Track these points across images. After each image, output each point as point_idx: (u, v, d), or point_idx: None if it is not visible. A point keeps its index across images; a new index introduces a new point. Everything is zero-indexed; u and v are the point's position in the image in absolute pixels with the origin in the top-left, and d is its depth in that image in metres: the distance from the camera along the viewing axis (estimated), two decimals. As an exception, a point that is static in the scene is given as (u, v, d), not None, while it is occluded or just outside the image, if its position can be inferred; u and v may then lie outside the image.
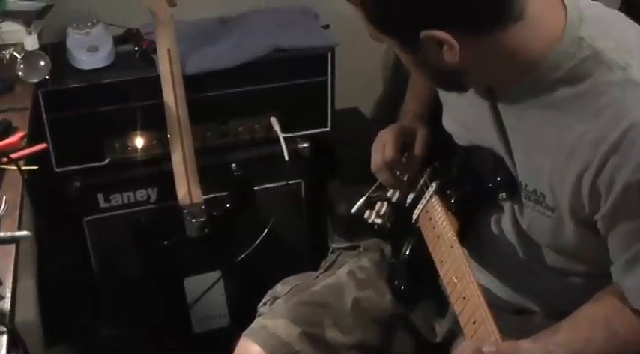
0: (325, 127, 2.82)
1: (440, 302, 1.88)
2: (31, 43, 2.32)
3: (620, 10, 1.64)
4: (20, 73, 2.27)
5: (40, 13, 2.45)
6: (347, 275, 2.02)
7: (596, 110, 1.44)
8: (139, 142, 2.62)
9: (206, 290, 2.71)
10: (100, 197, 2.66)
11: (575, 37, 1.47)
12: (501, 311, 1.72)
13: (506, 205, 1.69)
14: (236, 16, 2.84)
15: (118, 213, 2.70)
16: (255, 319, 1.97)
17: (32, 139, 2.12)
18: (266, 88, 2.67)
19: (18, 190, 1.89)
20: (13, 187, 1.90)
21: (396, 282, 1.90)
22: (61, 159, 2.56)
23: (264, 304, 2.02)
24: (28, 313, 2.44)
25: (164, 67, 2.43)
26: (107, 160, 2.62)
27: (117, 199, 2.68)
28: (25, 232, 1.75)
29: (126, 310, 2.78)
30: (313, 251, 2.91)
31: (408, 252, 1.86)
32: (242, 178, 2.71)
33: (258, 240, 2.67)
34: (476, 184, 1.72)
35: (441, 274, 1.66)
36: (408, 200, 1.94)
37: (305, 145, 2.78)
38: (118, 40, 2.66)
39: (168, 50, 2.42)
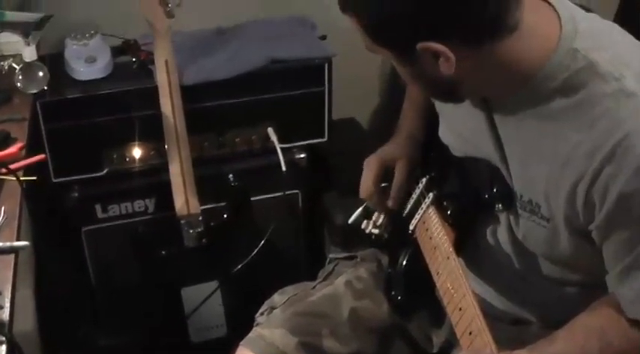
0: (322, 138, 2.82)
1: (437, 313, 1.88)
2: (30, 54, 2.33)
3: (614, 19, 1.65)
4: (18, 84, 2.27)
5: (38, 24, 2.46)
6: (344, 285, 2.02)
7: (591, 121, 1.45)
8: (137, 152, 2.62)
9: (204, 300, 2.71)
10: (98, 207, 2.66)
11: (569, 49, 1.47)
12: (498, 321, 1.73)
13: (502, 216, 1.69)
14: (233, 27, 2.85)
15: (116, 223, 2.70)
16: (253, 329, 1.97)
17: (30, 149, 2.12)
18: (263, 98, 2.68)
19: (16, 200, 1.90)
20: (11, 197, 1.91)
21: (393, 292, 1.90)
22: (58, 169, 2.56)
23: (262, 313, 2.03)
24: (27, 323, 2.44)
25: (162, 78, 2.44)
26: (105, 171, 2.62)
27: (114, 209, 2.68)
28: (23, 243, 1.76)
29: (124, 320, 2.78)
30: (310, 261, 2.91)
31: (404, 262, 1.87)
32: (239, 189, 2.72)
33: (256, 250, 2.66)
34: (472, 196, 1.73)
35: (438, 285, 1.66)
36: (405, 211, 1.94)
37: (302, 155, 2.79)
38: (116, 51, 2.66)
39: (166, 61, 2.42)
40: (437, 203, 1.82)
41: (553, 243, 1.60)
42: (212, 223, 2.63)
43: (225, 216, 2.70)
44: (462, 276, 1.59)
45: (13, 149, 2.05)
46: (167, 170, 2.52)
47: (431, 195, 1.84)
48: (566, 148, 1.49)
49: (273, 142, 2.71)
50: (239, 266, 2.67)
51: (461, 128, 1.76)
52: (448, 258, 1.66)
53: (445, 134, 1.86)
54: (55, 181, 2.58)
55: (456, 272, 1.61)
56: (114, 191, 2.67)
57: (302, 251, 2.95)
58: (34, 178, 2.01)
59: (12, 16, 2.47)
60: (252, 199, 2.76)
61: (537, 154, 1.55)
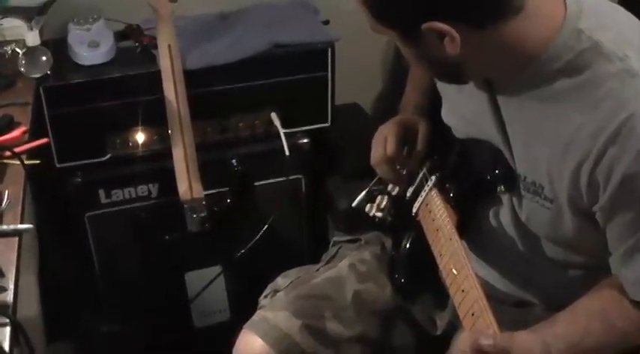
0: (325, 123, 2.82)
1: (440, 295, 1.88)
2: (33, 38, 2.33)
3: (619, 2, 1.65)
4: (22, 69, 2.28)
5: (42, 9, 2.46)
6: (348, 268, 2.03)
7: (595, 101, 1.45)
8: (140, 137, 2.62)
9: (207, 285, 2.71)
10: (101, 193, 2.66)
11: (574, 29, 1.47)
12: (500, 303, 1.73)
13: (505, 198, 1.69)
14: (236, 12, 2.84)
15: (119, 208, 2.69)
16: (256, 312, 1.98)
17: (34, 134, 2.13)
18: (266, 83, 2.67)
19: (20, 184, 1.90)
20: (15, 181, 1.91)
21: (397, 275, 1.91)
22: (62, 155, 2.56)
23: (265, 296, 2.03)
24: (30, 308, 2.44)
25: (165, 63, 2.44)
26: (108, 156, 2.62)
27: (118, 194, 2.68)
28: (27, 225, 1.76)
29: (127, 305, 2.78)
30: (313, 246, 2.91)
31: (408, 245, 1.87)
32: (242, 174, 2.71)
33: (259, 235, 2.66)
34: (475, 177, 1.73)
35: (441, 266, 1.66)
36: (408, 193, 1.95)
37: (305, 140, 2.78)
38: (119, 36, 2.66)
39: (169, 46, 2.42)
40: (440, 185, 1.82)
41: (556, 224, 1.60)
42: (215, 208, 2.63)
43: (228, 201, 2.70)
44: (465, 257, 1.59)
45: (16, 133, 2.05)
46: (170, 155, 2.52)
47: (433, 177, 1.85)
48: (570, 129, 1.49)
49: (276, 127, 2.71)
50: (242, 251, 2.67)
51: (463, 110, 1.76)
52: (451, 240, 1.66)
53: (448, 116, 1.86)
54: (58, 166, 2.57)
55: (458, 254, 1.61)
56: (117, 176, 2.66)
57: (305, 236, 2.95)
58: (38, 161, 2.01)
59: (15, 0, 2.47)
60: (255, 183, 2.76)
61: (540, 136, 1.55)
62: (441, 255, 1.67)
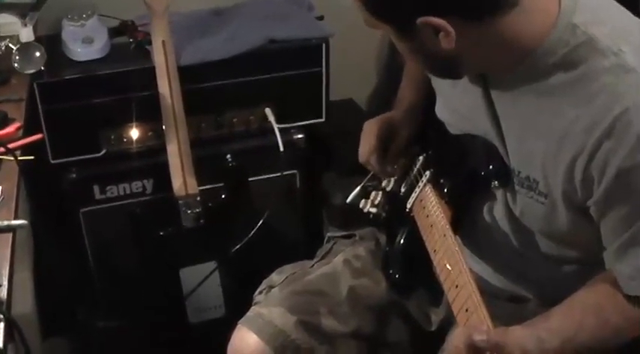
0: (320, 118, 2.82)
1: (435, 291, 1.88)
2: (27, 34, 2.32)
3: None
4: (15, 65, 2.27)
5: (35, 5, 2.45)
6: (342, 264, 2.03)
7: (590, 96, 1.45)
8: (135, 133, 2.62)
9: (202, 281, 2.71)
10: (96, 189, 2.66)
11: (569, 24, 1.47)
12: (495, 299, 1.73)
13: (499, 193, 1.69)
14: (230, 7, 2.84)
15: (114, 204, 2.69)
16: (251, 308, 1.98)
17: (28, 130, 2.12)
18: (261, 79, 2.68)
19: (14, 180, 1.90)
20: (9, 177, 1.91)
21: (391, 270, 1.91)
22: (56, 150, 2.56)
23: (260, 292, 2.03)
24: (25, 304, 2.44)
25: (159, 59, 2.44)
26: (103, 152, 2.62)
27: (112, 190, 2.68)
28: (21, 221, 1.76)
29: (122, 301, 2.78)
30: (308, 241, 2.90)
31: (402, 241, 1.87)
32: (237, 169, 2.72)
33: (254, 230, 2.66)
34: (469, 173, 1.73)
35: (435, 262, 1.67)
36: (402, 189, 1.95)
37: (300, 135, 2.79)
38: (113, 32, 2.66)
39: (163, 42, 2.42)
40: (434, 181, 1.82)
41: (551, 219, 1.60)
42: (210, 204, 2.63)
43: (223, 196, 2.70)
44: (459, 253, 1.59)
45: (10, 129, 2.05)
46: (165, 151, 2.53)
47: (428, 173, 1.85)
48: (564, 123, 1.49)
49: (271, 123, 2.71)
50: (237, 246, 2.67)
51: (457, 105, 1.76)
52: (445, 235, 1.66)
53: (442, 111, 1.86)
54: (52, 162, 2.57)
55: (452, 250, 1.61)
56: (112, 172, 2.67)
57: (300, 231, 2.95)
58: (32, 157, 2.01)
59: (9, -4, 2.47)
60: (250, 179, 2.76)
61: (535, 130, 1.55)
62: (435, 251, 1.67)
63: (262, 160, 2.76)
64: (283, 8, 2.84)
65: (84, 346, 2.83)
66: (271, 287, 2.02)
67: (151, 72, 2.46)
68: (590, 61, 1.46)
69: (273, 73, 2.69)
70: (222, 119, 2.70)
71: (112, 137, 2.61)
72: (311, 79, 2.75)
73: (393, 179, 2.03)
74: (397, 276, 1.89)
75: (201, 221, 2.62)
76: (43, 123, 2.50)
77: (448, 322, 1.89)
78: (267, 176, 2.80)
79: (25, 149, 2.03)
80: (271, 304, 1.94)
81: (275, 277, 2.04)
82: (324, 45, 2.71)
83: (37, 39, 2.38)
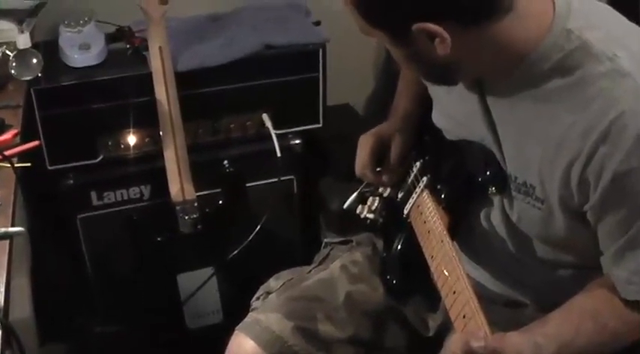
0: (317, 123, 2.82)
1: (432, 296, 1.87)
2: (24, 41, 2.32)
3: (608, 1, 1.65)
4: (13, 71, 2.27)
5: (33, 11, 2.46)
6: (339, 270, 2.02)
7: (586, 101, 1.45)
8: (132, 139, 2.63)
9: (199, 287, 2.71)
10: (93, 195, 2.66)
11: (563, 29, 1.48)
12: (492, 304, 1.73)
13: (496, 199, 1.69)
14: (227, 13, 2.85)
15: (111, 210, 2.70)
16: (249, 314, 1.98)
17: (25, 137, 2.12)
18: (257, 84, 2.68)
19: (11, 187, 1.90)
20: (6, 184, 1.91)
21: (388, 276, 1.91)
22: (53, 157, 2.56)
23: (258, 298, 2.03)
24: (23, 310, 2.45)
25: (156, 65, 2.44)
26: (100, 158, 2.62)
27: (110, 196, 2.68)
28: (18, 228, 1.75)
29: (120, 307, 2.78)
30: (306, 247, 2.91)
31: (399, 246, 1.87)
32: (234, 175, 2.72)
33: (251, 236, 2.66)
34: (466, 179, 1.73)
35: (432, 268, 1.66)
36: (400, 195, 1.95)
37: (297, 141, 2.79)
38: (110, 38, 2.66)
39: (160, 47, 2.42)
40: (431, 187, 1.82)
41: (548, 224, 1.60)
42: (207, 209, 2.64)
43: (220, 202, 2.71)
44: (456, 259, 1.58)
45: (7, 136, 2.05)
46: (162, 157, 2.53)
47: (425, 179, 1.85)
48: (561, 128, 1.49)
49: (267, 128, 2.71)
50: (235, 252, 2.67)
51: (454, 111, 1.76)
52: (442, 241, 1.66)
53: (438, 118, 1.86)
54: (50, 168, 2.58)
55: (449, 255, 1.61)
56: (109, 178, 2.67)
57: (297, 237, 2.96)
58: (29, 164, 2.01)
59: (6, 3, 2.46)
60: (247, 185, 2.77)
61: (531, 136, 1.55)
62: (432, 257, 1.67)
63: (259, 165, 2.76)
64: (280, 14, 2.84)
65: (82, 351, 2.84)
66: (268, 293, 2.01)
67: (148, 78, 2.47)
68: (586, 66, 1.46)
69: (270, 79, 2.70)
70: (219, 125, 2.71)
71: (110, 143, 2.61)
72: (308, 85, 2.75)
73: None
74: (394, 282, 1.89)
75: (199, 227, 2.62)
76: (40, 129, 2.50)
77: (445, 328, 1.89)
78: (265, 182, 2.80)
79: (22, 156, 2.03)
80: (268, 310, 1.94)
81: (272, 282, 2.04)
82: (320, 50, 2.71)
83: (34, 45, 2.38)
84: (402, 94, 2.07)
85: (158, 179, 2.58)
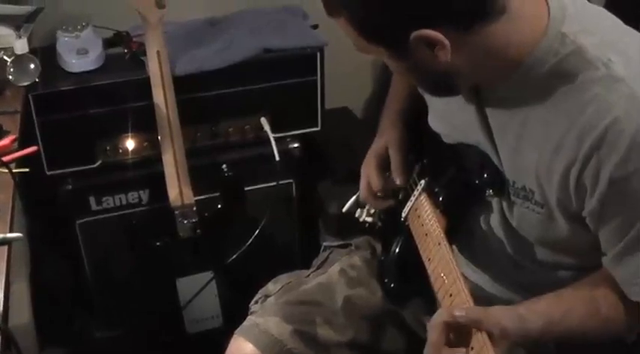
0: (315, 127, 2.82)
1: (430, 299, 1.88)
2: (21, 46, 2.32)
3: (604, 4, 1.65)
4: (10, 77, 2.27)
5: (30, 17, 2.47)
6: (338, 274, 2.03)
7: (581, 106, 1.45)
8: (130, 144, 2.62)
9: (199, 291, 2.71)
10: (92, 200, 2.66)
11: (558, 33, 1.48)
12: (491, 306, 1.73)
13: (495, 202, 1.70)
14: (225, 17, 2.85)
15: (110, 215, 2.70)
16: (248, 318, 1.98)
17: (23, 142, 2.13)
18: (256, 88, 2.68)
19: (9, 192, 1.90)
20: (4, 189, 1.91)
21: (386, 279, 1.91)
22: (52, 162, 2.56)
23: (256, 302, 2.03)
24: (22, 315, 2.44)
25: (154, 69, 2.44)
26: (98, 163, 2.62)
27: (108, 201, 2.68)
28: (16, 234, 1.76)
29: (119, 312, 2.78)
30: (305, 250, 2.91)
31: (397, 250, 1.87)
32: (233, 179, 2.71)
33: (250, 240, 2.67)
34: (463, 182, 1.73)
35: (429, 271, 1.66)
36: (398, 198, 1.94)
37: (295, 144, 2.79)
38: (108, 43, 2.66)
39: (158, 52, 2.42)
40: (428, 190, 1.82)
41: (548, 228, 1.61)
42: (206, 214, 2.63)
43: (219, 206, 2.70)
44: (453, 262, 1.59)
45: (5, 141, 2.05)
46: (160, 161, 2.52)
47: (422, 182, 1.84)
48: (557, 133, 1.49)
49: (266, 132, 2.71)
50: (234, 256, 2.67)
51: (450, 117, 1.76)
52: (439, 244, 1.66)
53: (434, 123, 1.86)
54: (48, 173, 2.57)
55: (446, 259, 1.61)
56: (108, 183, 2.67)
57: (296, 240, 2.96)
58: (27, 170, 2.01)
59: (3, 8, 2.47)
60: (245, 189, 2.76)
61: (528, 141, 1.55)
62: (429, 260, 1.67)
63: (258, 169, 2.76)
64: (278, 17, 2.84)
65: (81, 356, 2.84)
66: (267, 297, 2.02)
67: (146, 82, 2.46)
68: (581, 71, 1.46)
69: (268, 83, 2.69)
70: (217, 129, 2.70)
71: (108, 148, 2.61)
72: (306, 88, 2.75)
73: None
74: (392, 285, 1.89)
75: (198, 231, 2.62)
76: (38, 135, 2.50)
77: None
78: (263, 185, 2.81)
79: (21, 161, 2.03)
80: (267, 314, 1.94)
81: (271, 286, 2.05)
82: (318, 54, 2.71)
83: (32, 51, 2.38)
84: (393, 98, 2.07)
85: (157, 184, 2.58)
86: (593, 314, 1.56)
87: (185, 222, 2.59)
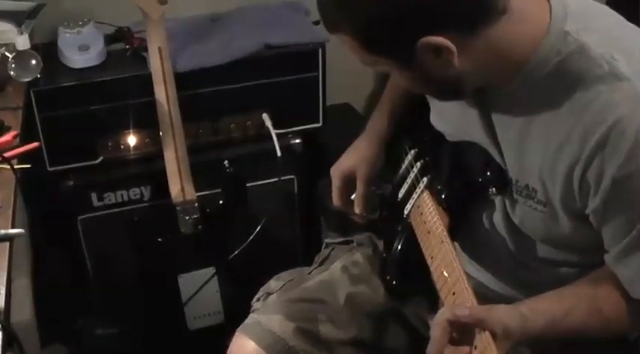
0: (317, 123, 2.82)
1: (433, 297, 1.88)
2: (23, 42, 2.32)
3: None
4: (12, 73, 2.27)
5: (31, 13, 2.46)
6: (340, 271, 2.03)
7: (584, 105, 1.45)
8: (132, 140, 2.62)
9: (200, 287, 2.71)
10: (94, 196, 2.66)
11: (560, 31, 1.48)
12: (493, 304, 1.73)
13: (497, 200, 1.70)
14: (227, 13, 2.84)
15: (112, 211, 2.70)
16: (250, 315, 1.98)
17: (25, 138, 2.12)
18: (257, 84, 2.68)
19: (11, 188, 1.90)
20: (6, 185, 1.90)
21: (388, 277, 1.90)
22: (53, 158, 2.56)
23: (258, 299, 2.03)
24: (23, 312, 2.44)
25: (155, 65, 2.44)
26: (100, 159, 2.62)
27: (110, 197, 2.68)
28: (18, 230, 1.76)
29: (120, 308, 2.78)
30: (307, 247, 2.91)
31: (399, 247, 1.87)
32: (235, 175, 2.71)
33: (252, 236, 2.67)
34: (466, 179, 1.73)
35: (432, 269, 1.66)
36: (400, 195, 1.94)
37: (297, 140, 2.79)
38: (109, 39, 2.65)
39: (159, 48, 2.42)
40: (431, 187, 1.82)
41: (550, 227, 1.61)
42: (208, 210, 2.63)
43: (220, 202, 2.70)
44: (456, 260, 1.58)
45: (7, 137, 2.05)
46: (162, 157, 2.52)
47: (425, 179, 1.84)
48: (560, 132, 1.49)
49: (268, 128, 2.71)
50: (236, 252, 2.67)
51: (452, 116, 1.76)
52: (442, 242, 1.66)
53: (437, 122, 1.85)
54: (50, 169, 2.58)
55: (449, 256, 1.60)
56: (109, 179, 2.67)
57: (298, 237, 2.96)
58: (29, 166, 2.01)
59: (5, 4, 2.47)
60: (247, 185, 2.76)
61: (531, 140, 1.55)
62: (432, 257, 1.67)
63: (260, 165, 2.77)
64: (279, 14, 2.84)
65: (83, 352, 2.83)
66: (269, 294, 2.01)
67: (148, 78, 2.46)
68: (584, 69, 1.46)
69: (269, 79, 2.69)
70: (219, 125, 2.70)
71: (109, 144, 2.61)
72: (308, 84, 2.75)
73: (390, 185, 2.03)
74: (394, 282, 1.89)
75: (199, 227, 2.62)
76: (39, 131, 2.50)
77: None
78: (265, 182, 2.81)
79: (22, 157, 2.02)
80: (270, 312, 1.94)
81: (273, 283, 2.04)
82: (320, 50, 2.71)
83: (33, 47, 2.38)
84: (386, 97, 2.08)
85: (158, 180, 2.58)
86: (595, 313, 1.56)
87: (187, 218, 2.59)
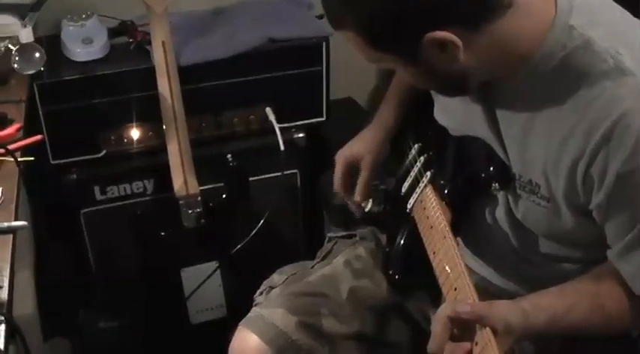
0: (320, 117, 2.82)
1: (435, 291, 1.87)
2: (26, 35, 2.32)
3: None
4: (15, 66, 2.27)
5: (35, 6, 2.45)
6: (343, 265, 2.03)
7: (589, 100, 1.45)
8: (135, 133, 2.62)
9: (203, 281, 2.71)
10: (97, 189, 2.66)
11: (565, 25, 1.47)
12: (496, 299, 1.72)
13: (500, 195, 1.70)
14: (230, 7, 2.84)
15: (115, 205, 2.70)
16: (252, 309, 1.98)
17: (28, 131, 2.12)
18: (261, 78, 2.67)
19: (14, 181, 1.90)
20: (9, 178, 1.90)
21: (391, 271, 1.91)
22: (56, 151, 2.56)
23: (261, 293, 2.03)
24: (26, 305, 2.44)
25: (159, 59, 2.43)
26: (103, 152, 2.62)
27: (113, 191, 2.68)
28: (21, 222, 1.76)
29: (123, 302, 2.78)
30: (309, 241, 2.91)
31: (402, 241, 1.87)
32: (238, 169, 2.71)
33: (255, 230, 2.66)
34: (469, 174, 1.73)
35: (434, 264, 1.66)
36: (403, 189, 1.94)
37: (300, 135, 2.79)
38: (113, 32, 2.65)
39: (163, 42, 2.42)
40: (434, 182, 1.82)
41: (553, 222, 1.61)
42: (211, 204, 2.63)
43: (223, 196, 2.70)
44: (458, 256, 1.58)
45: (10, 130, 2.05)
46: (165, 151, 2.52)
47: (428, 174, 1.84)
48: (565, 127, 1.49)
49: (271, 122, 2.71)
50: (238, 246, 2.67)
51: (456, 110, 1.76)
52: (444, 237, 1.66)
53: (440, 116, 1.85)
54: (53, 162, 2.57)
55: (451, 252, 1.60)
56: (112, 173, 2.67)
57: (301, 231, 2.96)
58: (32, 158, 2.01)
59: (7, -3, 2.47)
60: (250, 179, 2.76)
61: (534, 135, 1.55)
62: (434, 253, 1.67)
63: (263, 159, 2.77)
64: (283, 7, 2.83)
65: (85, 346, 2.83)
66: (272, 288, 2.02)
67: (151, 72, 2.46)
68: (588, 64, 1.45)
69: (273, 73, 2.69)
70: (222, 119, 2.70)
71: (112, 137, 2.61)
72: (311, 78, 2.74)
73: (394, 179, 2.03)
74: (397, 276, 1.89)
75: (202, 221, 2.62)
76: (43, 124, 2.50)
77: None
78: (268, 176, 2.80)
79: (25, 150, 2.03)
80: (272, 305, 1.94)
81: (275, 277, 2.05)
82: (324, 44, 2.70)
83: (37, 40, 2.37)
84: (394, 88, 2.07)
85: (161, 174, 2.58)
86: (597, 309, 1.56)
87: (190, 212, 2.59)
